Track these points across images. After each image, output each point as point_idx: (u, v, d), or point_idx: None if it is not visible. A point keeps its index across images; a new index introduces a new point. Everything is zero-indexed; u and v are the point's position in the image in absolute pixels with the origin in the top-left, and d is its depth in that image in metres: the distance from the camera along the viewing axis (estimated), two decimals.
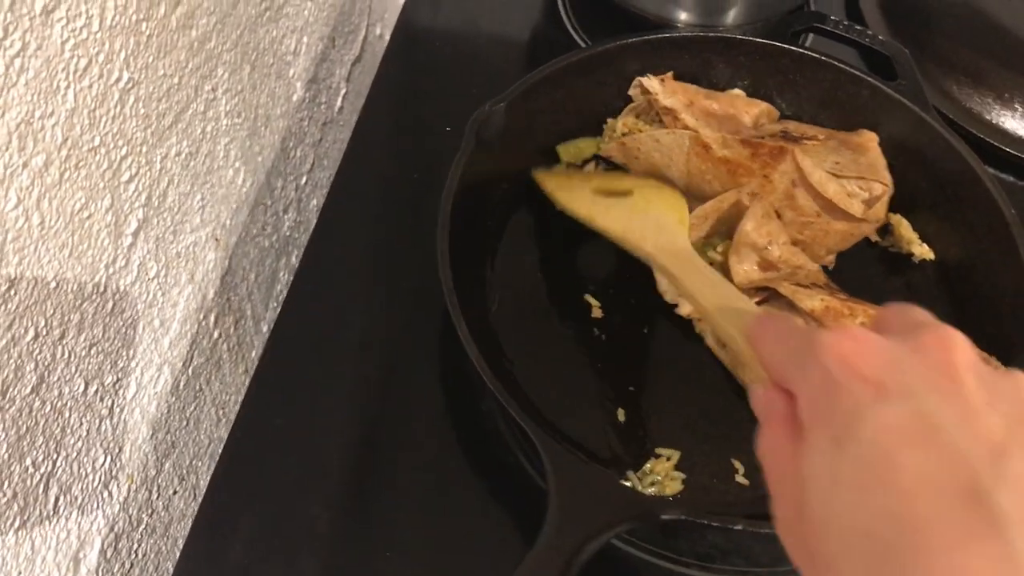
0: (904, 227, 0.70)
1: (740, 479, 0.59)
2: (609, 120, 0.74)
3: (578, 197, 0.64)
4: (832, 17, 0.78)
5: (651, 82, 0.72)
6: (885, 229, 0.71)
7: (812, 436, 0.33)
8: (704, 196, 0.67)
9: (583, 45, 0.86)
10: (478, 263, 0.68)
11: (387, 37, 1.00)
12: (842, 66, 0.71)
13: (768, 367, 0.38)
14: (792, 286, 0.61)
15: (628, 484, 0.58)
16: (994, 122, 0.79)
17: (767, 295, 0.64)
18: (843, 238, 0.67)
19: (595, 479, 0.50)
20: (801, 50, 0.72)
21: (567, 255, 0.70)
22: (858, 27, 0.78)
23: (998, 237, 0.64)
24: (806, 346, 0.34)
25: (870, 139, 0.70)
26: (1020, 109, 0.79)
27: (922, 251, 0.69)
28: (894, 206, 0.70)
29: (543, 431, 0.52)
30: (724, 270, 0.65)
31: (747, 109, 0.72)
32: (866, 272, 0.69)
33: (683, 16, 0.83)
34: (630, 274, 0.65)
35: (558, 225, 0.67)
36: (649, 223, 0.60)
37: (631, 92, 0.74)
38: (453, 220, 0.61)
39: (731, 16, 0.83)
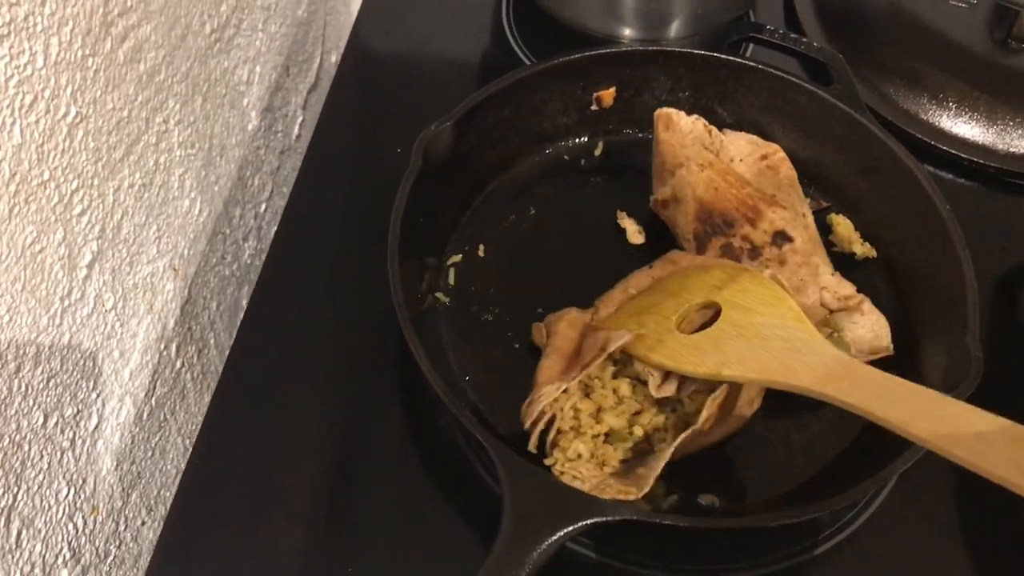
0: (845, 227, 0.72)
1: None
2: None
3: (671, 349, 0.53)
4: (768, 27, 0.81)
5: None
6: (828, 230, 0.73)
7: None
8: None
9: (528, 63, 0.88)
10: (429, 282, 0.69)
11: None
12: (778, 73, 0.73)
13: None
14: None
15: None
16: (930, 121, 0.81)
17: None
18: None
19: (547, 483, 0.52)
20: (738, 59, 0.74)
21: (518, 272, 0.72)
22: (793, 35, 0.80)
23: (934, 233, 0.66)
24: None
25: None
26: (954, 108, 0.81)
27: (864, 250, 0.71)
28: (837, 207, 0.73)
29: (496, 440, 0.53)
30: None
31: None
32: None
33: (626, 31, 0.85)
34: (576, 293, 0.67)
35: (510, 244, 0.69)
36: (775, 349, 0.45)
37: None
38: (402, 241, 0.62)
39: (673, 29, 0.85)
